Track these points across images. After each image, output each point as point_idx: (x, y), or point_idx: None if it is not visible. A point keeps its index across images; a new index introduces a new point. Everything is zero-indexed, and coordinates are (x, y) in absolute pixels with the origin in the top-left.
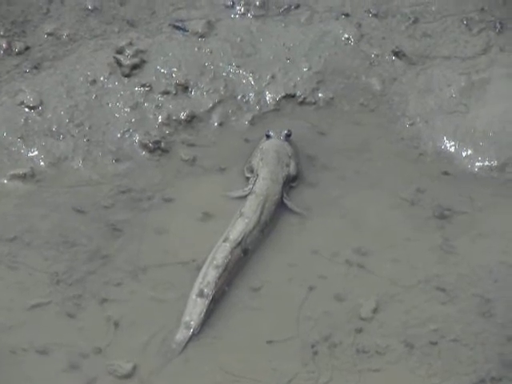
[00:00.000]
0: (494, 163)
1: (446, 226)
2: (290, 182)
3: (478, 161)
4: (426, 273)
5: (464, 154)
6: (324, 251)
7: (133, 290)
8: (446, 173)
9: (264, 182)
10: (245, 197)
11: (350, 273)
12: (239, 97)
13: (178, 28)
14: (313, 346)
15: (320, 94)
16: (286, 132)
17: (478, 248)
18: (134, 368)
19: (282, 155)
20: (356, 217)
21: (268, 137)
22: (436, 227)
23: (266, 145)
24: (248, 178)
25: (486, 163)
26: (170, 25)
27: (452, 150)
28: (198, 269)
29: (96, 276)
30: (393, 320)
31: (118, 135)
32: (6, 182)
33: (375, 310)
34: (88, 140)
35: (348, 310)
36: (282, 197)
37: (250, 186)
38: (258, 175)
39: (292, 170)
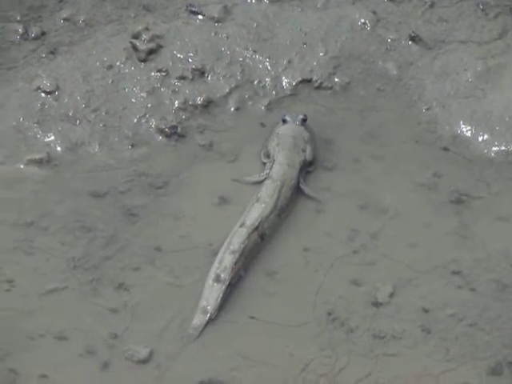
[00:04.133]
0: (511, 148)
1: (463, 210)
2: (307, 167)
3: (495, 145)
4: (443, 257)
5: (480, 138)
6: (340, 236)
7: (149, 275)
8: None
9: (280, 167)
10: (261, 182)
11: (367, 257)
12: (256, 82)
13: (194, 13)
14: (329, 331)
15: (336, 79)
16: (302, 117)
17: (495, 233)
18: (151, 353)
19: (299, 140)
20: (372, 201)
21: (284, 122)
22: (453, 212)
23: (282, 130)
24: (264, 163)
25: (503, 148)
26: (186, 9)
27: (468, 134)
28: (215, 254)
29: (113, 261)
30: (409, 304)
31: (135, 120)
32: (22, 167)
33: (392, 295)
34: (104, 125)
35: (365, 294)
36: (298, 182)
37: (267, 171)
38: (274, 160)
39: (308, 155)
